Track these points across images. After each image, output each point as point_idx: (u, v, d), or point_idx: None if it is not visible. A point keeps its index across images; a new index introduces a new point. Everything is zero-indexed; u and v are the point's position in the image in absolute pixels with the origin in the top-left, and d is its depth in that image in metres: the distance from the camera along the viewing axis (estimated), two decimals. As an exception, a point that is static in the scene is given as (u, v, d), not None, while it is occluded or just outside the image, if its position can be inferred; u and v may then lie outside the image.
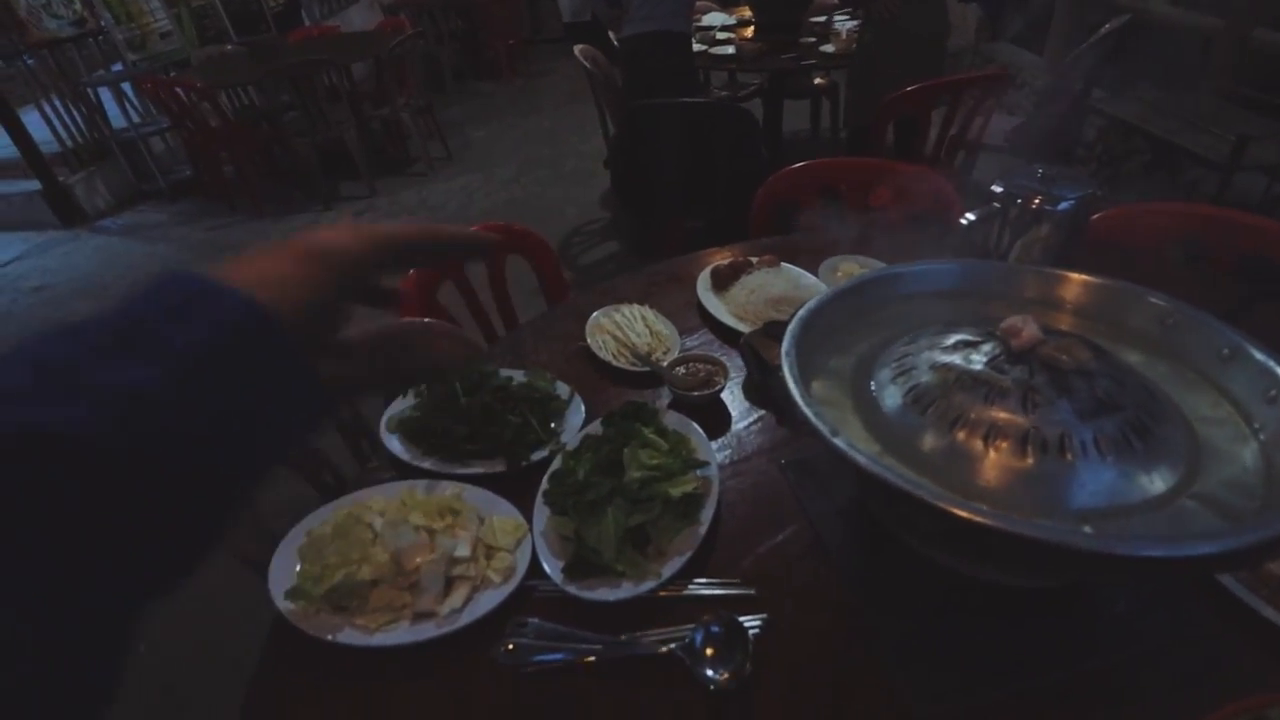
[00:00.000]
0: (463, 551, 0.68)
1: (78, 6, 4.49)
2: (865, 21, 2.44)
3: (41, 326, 0.26)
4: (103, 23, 4.55)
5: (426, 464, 0.83)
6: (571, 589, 0.66)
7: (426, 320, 0.32)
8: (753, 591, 0.66)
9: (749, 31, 3.08)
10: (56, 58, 4.40)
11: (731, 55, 2.81)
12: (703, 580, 0.68)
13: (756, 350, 0.64)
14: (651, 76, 2.46)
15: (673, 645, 0.61)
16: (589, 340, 1.05)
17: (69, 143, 4.48)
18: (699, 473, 0.76)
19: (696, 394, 0.88)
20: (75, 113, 4.45)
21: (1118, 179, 2.72)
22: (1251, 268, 1.15)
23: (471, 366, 0.91)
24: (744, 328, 1.03)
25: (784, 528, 0.73)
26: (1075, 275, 0.67)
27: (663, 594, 0.67)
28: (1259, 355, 0.54)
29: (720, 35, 3.08)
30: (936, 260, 0.71)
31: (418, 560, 0.67)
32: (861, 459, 0.47)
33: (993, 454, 0.51)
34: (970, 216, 1.06)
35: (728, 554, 0.71)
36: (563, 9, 7.49)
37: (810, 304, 0.66)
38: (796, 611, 0.65)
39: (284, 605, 0.65)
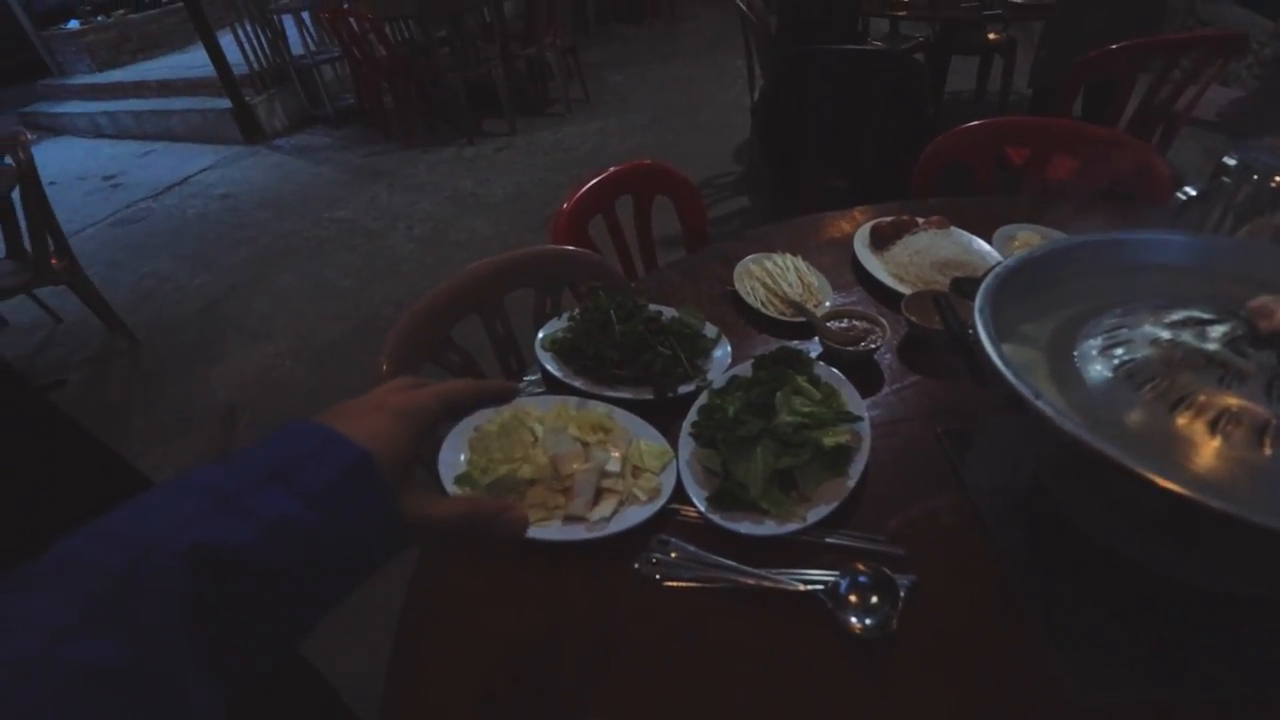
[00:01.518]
0: (613, 466, 0.72)
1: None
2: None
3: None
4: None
5: (577, 383, 0.87)
6: (715, 518, 0.68)
7: (496, 503, 0.42)
8: (901, 551, 0.65)
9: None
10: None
11: (903, 0, 2.60)
12: (847, 532, 0.68)
13: (951, 304, 0.61)
14: (810, 27, 2.34)
15: (815, 586, 0.61)
16: (737, 285, 1.04)
17: (255, 66, 4.93)
18: (851, 426, 0.75)
19: (851, 349, 0.86)
20: (262, 37, 4.88)
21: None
22: None
23: (623, 297, 0.94)
24: (904, 289, 0.98)
25: (936, 496, 0.71)
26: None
27: (805, 538, 0.67)
28: None
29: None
30: (1161, 231, 0.63)
31: (574, 467, 0.71)
32: (1071, 427, 0.44)
33: (1218, 442, 0.46)
34: (1190, 191, 0.93)
35: (874, 512, 0.70)
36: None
37: (1009, 262, 0.62)
38: (947, 578, 0.63)
39: (453, 489, 0.72)
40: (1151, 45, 1.79)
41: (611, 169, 1.33)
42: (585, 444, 0.74)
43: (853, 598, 0.60)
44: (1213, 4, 3.71)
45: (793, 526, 0.67)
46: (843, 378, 0.82)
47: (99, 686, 0.23)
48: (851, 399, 0.79)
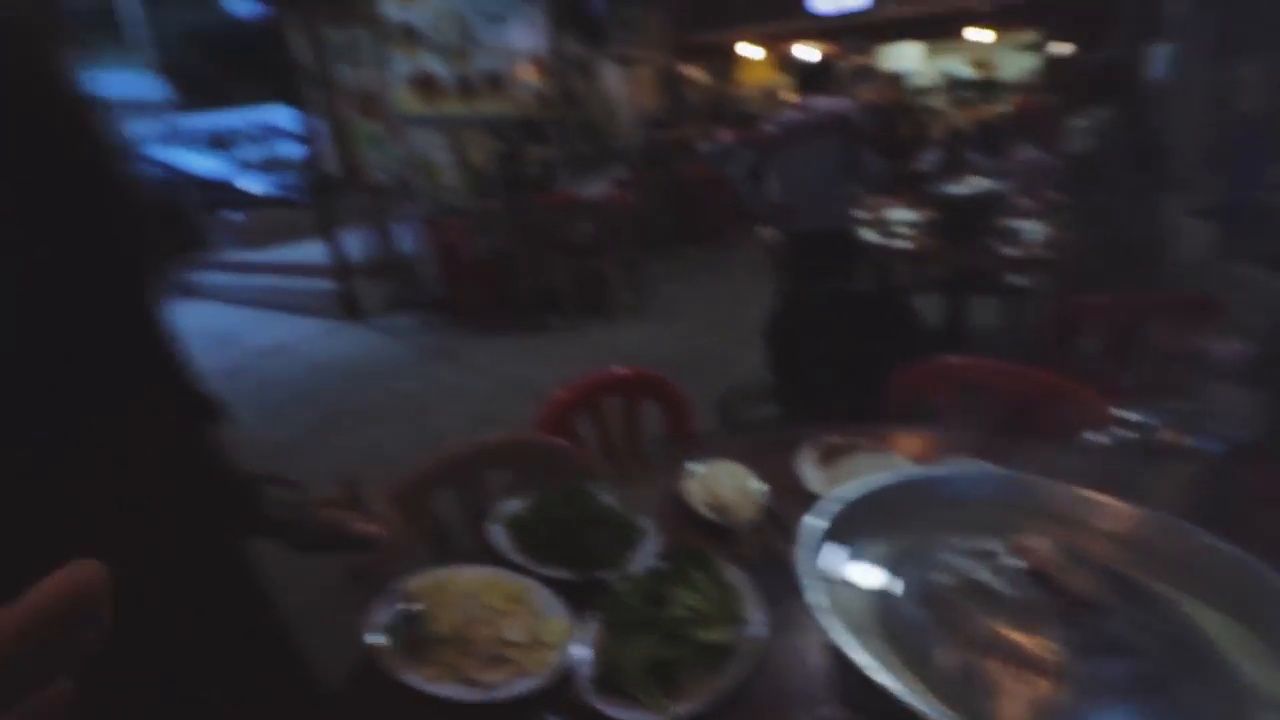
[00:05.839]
0: (515, 635, 0.79)
1: (398, 166, 6.05)
2: (1067, 225, 2.44)
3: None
4: (410, 176, 6.05)
5: (514, 556, 0.97)
6: (593, 700, 0.73)
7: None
8: (755, 756, 0.67)
9: (931, 228, 3.20)
10: (376, 197, 5.91)
11: (906, 250, 2.94)
12: (713, 731, 0.70)
13: (776, 515, 0.71)
14: (815, 270, 2.70)
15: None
16: (682, 486, 1.15)
17: (365, 258, 5.85)
18: (742, 630, 0.80)
19: (760, 556, 0.93)
20: (376, 237, 5.86)
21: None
22: None
23: (572, 485, 1.07)
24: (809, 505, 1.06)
25: (816, 707, 0.73)
26: (1133, 508, 0.65)
27: (672, 733, 0.70)
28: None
29: (899, 229, 3.24)
30: (982, 469, 0.73)
31: (479, 631, 0.79)
32: (835, 631, 0.51)
33: (979, 665, 0.52)
34: (1096, 437, 1.02)
35: (747, 714, 0.73)
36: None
37: (854, 488, 0.72)
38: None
39: (373, 638, 0.80)
40: (1123, 305, 1.95)
41: (600, 373, 1.53)
42: (496, 611, 0.83)
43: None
44: (1233, 264, 3.92)
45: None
46: (748, 581, 0.88)
47: None
48: (753, 603, 0.85)
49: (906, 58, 9.25)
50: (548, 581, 0.92)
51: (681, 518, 1.11)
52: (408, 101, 5.81)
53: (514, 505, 1.09)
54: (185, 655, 0.50)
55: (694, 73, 9.91)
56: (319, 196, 5.61)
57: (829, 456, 1.22)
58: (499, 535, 1.02)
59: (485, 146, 6.76)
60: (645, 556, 0.97)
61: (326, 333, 5.52)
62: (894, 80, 8.64)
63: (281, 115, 7.26)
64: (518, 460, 1.30)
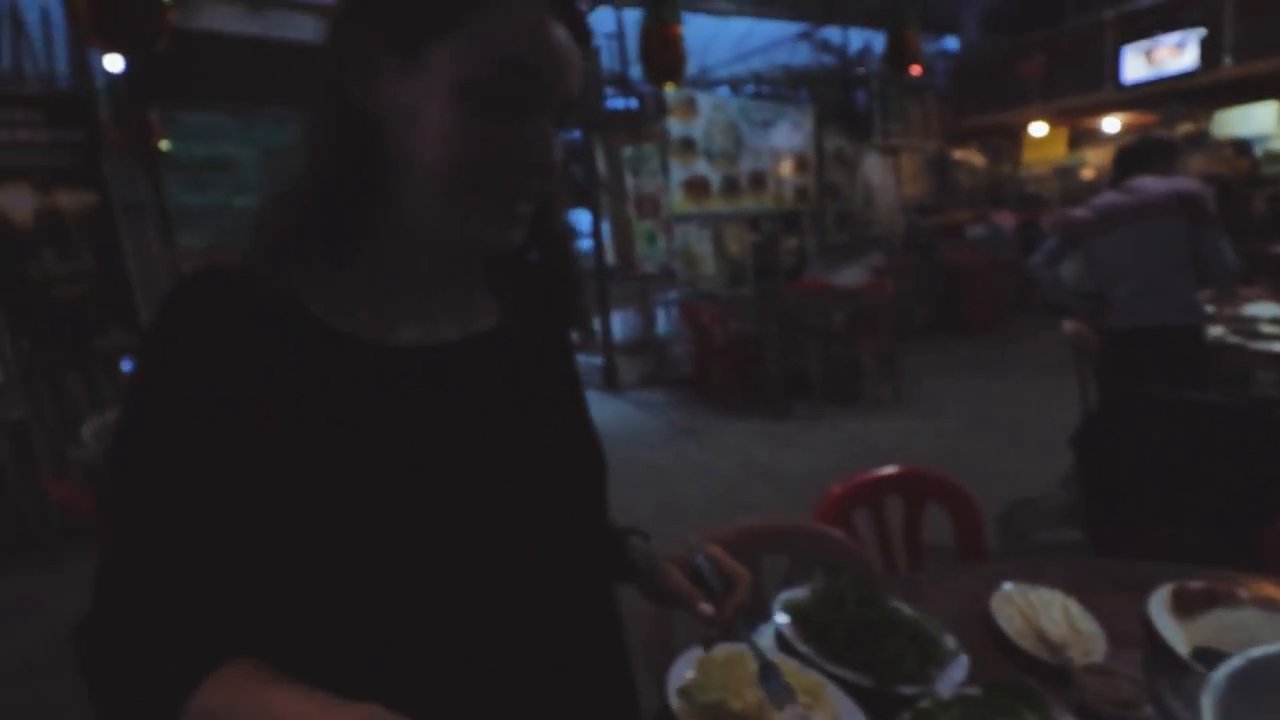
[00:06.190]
0: (811, 733, 0.77)
1: (664, 256, 6.67)
2: None
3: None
4: (674, 265, 6.62)
5: (803, 648, 0.95)
6: (903, 828, 0.67)
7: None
8: None
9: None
10: (643, 283, 6.56)
11: (1277, 355, 2.32)
12: None
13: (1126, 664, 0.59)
14: (1142, 377, 2.25)
15: None
16: (994, 608, 1.03)
17: (626, 337, 6.49)
18: (1088, 795, 0.67)
19: (1109, 712, 0.78)
20: (638, 319, 6.48)
21: None
22: None
23: (864, 583, 1.02)
24: (1199, 666, 0.85)
25: None
26: None
27: None
28: None
29: (1265, 328, 2.58)
30: None
31: (777, 715, 0.78)
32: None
33: None
34: None
35: None
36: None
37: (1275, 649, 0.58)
38: None
39: (673, 700, 0.85)
40: None
41: (886, 470, 1.46)
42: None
43: None
44: None
45: None
46: (1092, 738, 0.75)
47: None
48: (1100, 766, 0.71)
49: (1254, 121, 7.58)
50: (836, 681, 0.89)
51: (988, 643, 0.98)
52: (680, 202, 6.46)
53: (797, 594, 1.08)
54: (564, 682, 0.58)
55: (967, 155, 9.39)
56: (598, 284, 6.43)
57: (1189, 605, 0.98)
58: (783, 623, 1.02)
59: (742, 238, 7.16)
60: (952, 679, 0.88)
61: (590, 402, 6.18)
62: (1240, 148, 7.14)
63: (578, 218, 8.58)
64: (792, 546, 1.29)
